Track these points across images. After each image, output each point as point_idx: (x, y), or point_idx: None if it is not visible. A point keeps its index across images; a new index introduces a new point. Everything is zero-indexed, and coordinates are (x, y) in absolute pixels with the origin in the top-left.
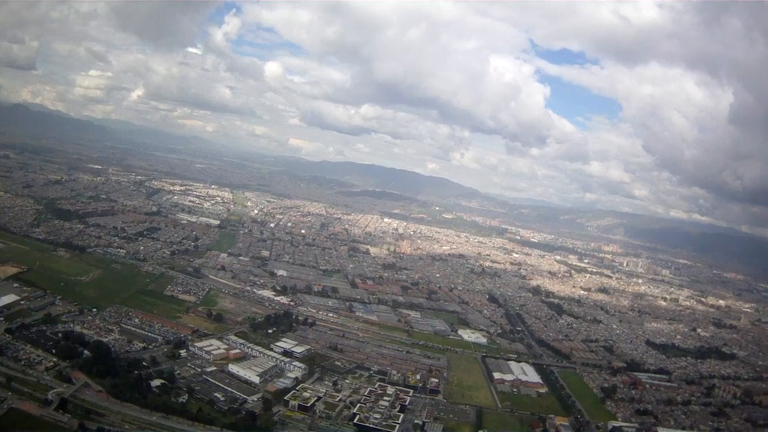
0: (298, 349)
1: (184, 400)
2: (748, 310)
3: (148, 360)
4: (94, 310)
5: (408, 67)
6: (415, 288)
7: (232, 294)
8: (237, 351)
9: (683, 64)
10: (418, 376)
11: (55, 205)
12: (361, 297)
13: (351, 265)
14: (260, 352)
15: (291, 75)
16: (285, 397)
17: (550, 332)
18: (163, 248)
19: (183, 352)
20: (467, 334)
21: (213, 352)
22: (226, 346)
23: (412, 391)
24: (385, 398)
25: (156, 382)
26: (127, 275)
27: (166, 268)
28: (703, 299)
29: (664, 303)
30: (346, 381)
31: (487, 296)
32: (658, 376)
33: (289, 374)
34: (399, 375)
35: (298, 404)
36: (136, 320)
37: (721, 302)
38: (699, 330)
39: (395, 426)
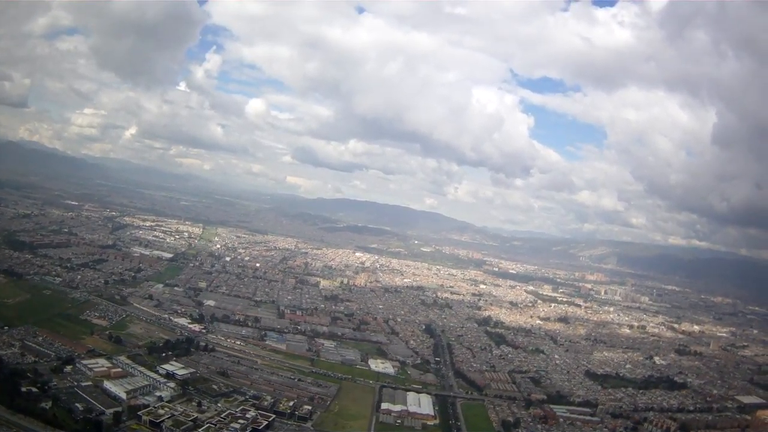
0: (181, 372)
1: (47, 407)
2: (724, 335)
3: (32, 371)
4: (6, 327)
5: (387, 101)
6: (348, 319)
7: (146, 320)
8: (119, 370)
9: (663, 86)
10: (290, 403)
11: (14, 236)
12: (281, 327)
13: (290, 297)
14: (141, 373)
15: (278, 112)
16: (139, 413)
17: (475, 363)
18: (100, 278)
19: (69, 368)
20: (376, 365)
21: (95, 369)
22: (110, 365)
23: (275, 416)
24: (240, 421)
25: (24, 389)
26: (52, 300)
27: (93, 296)
28: (675, 325)
29: (628, 331)
30: (219, 404)
31: (424, 327)
32: (580, 409)
33: (158, 393)
34: (271, 400)
35: (150, 420)
36: (40, 338)
37: (696, 328)
38: (656, 358)
39: None
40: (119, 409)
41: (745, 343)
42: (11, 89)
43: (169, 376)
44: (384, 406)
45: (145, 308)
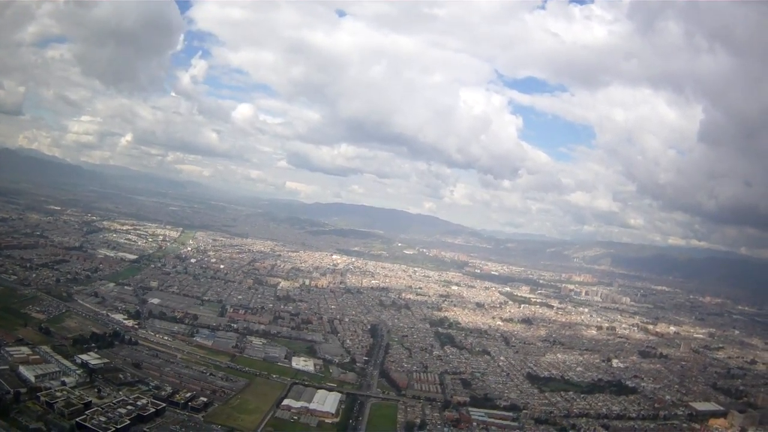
0: (95, 362)
1: None
2: (701, 336)
3: None
4: None
5: (373, 104)
6: (291, 318)
7: (84, 315)
8: (37, 357)
9: (647, 84)
10: (188, 394)
11: None
12: (217, 324)
13: (240, 296)
14: (57, 361)
15: (271, 117)
16: (38, 394)
17: (407, 364)
18: (54, 276)
19: None
20: (298, 362)
21: (15, 355)
22: (30, 353)
23: (166, 405)
24: (128, 407)
25: None
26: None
27: (42, 293)
28: (649, 326)
29: (594, 332)
30: (120, 392)
31: (369, 327)
32: (502, 413)
33: (65, 379)
34: (170, 391)
35: (46, 401)
36: None
37: (672, 329)
38: (615, 361)
39: (111, 428)
40: (23, 389)
41: (722, 345)
42: (5, 97)
43: (83, 365)
44: (286, 402)
45: (87, 304)
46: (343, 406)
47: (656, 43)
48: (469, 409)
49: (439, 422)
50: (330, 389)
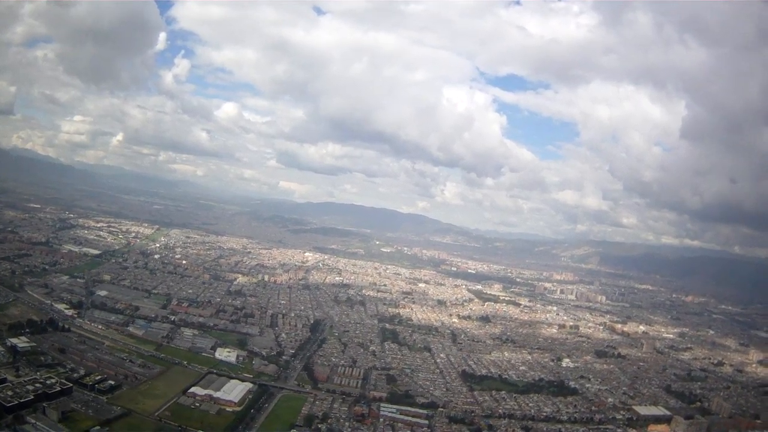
0: (22, 345)
1: None
2: (670, 336)
3: None
4: None
5: (354, 102)
6: (235, 312)
7: (28, 304)
8: None
9: (628, 79)
10: (97, 377)
11: None
12: (155, 316)
13: (190, 290)
14: None
15: (256, 116)
16: None
17: (336, 358)
18: (12, 269)
19: None
20: (221, 353)
21: None
22: None
23: (73, 385)
24: (36, 385)
25: None
26: None
27: None
28: (617, 326)
29: (554, 331)
30: (38, 373)
31: (313, 322)
32: (414, 410)
33: None
34: (82, 373)
35: None
36: None
37: (641, 328)
38: (566, 360)
39: (15, 402)
40: None
41: (690, 345)
42: None
43: (11, 347)
44: (192, 389)
45: (35, 295)
46: (250, 396)
47: (629, 36)
48: (381, 404)
49: (344, 416)
50: (243, 380)
